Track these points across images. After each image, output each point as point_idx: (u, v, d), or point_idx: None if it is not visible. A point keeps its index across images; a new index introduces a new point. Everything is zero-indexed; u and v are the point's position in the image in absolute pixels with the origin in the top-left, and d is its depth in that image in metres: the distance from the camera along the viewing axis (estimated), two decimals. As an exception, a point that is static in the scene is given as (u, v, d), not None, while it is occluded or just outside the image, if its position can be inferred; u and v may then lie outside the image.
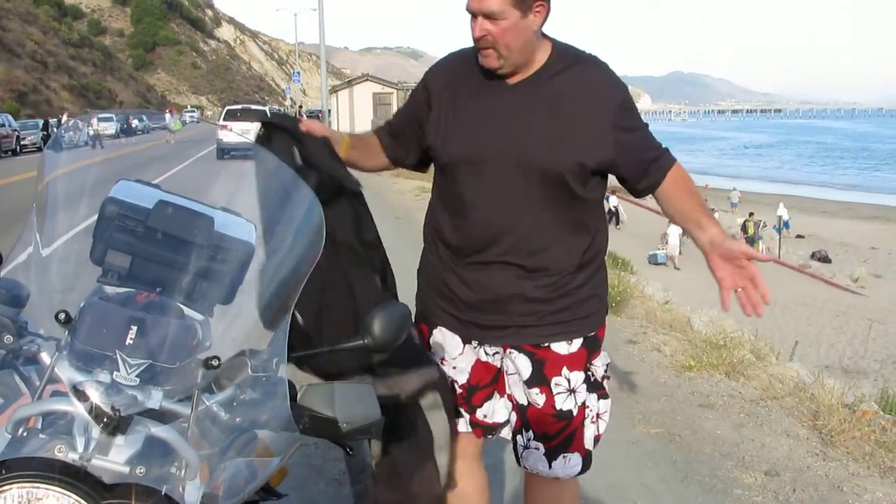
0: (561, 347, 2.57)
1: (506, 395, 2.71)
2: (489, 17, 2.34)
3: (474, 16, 2.38)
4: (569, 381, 2.58)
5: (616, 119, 2.49)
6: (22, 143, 39.85)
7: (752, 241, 31.15)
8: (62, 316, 1.52)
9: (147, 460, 1.45)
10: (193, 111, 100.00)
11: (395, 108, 52.54)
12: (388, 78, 68.87)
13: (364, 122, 49.33)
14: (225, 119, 33.43)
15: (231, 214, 1.93)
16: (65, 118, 50.86)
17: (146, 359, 1.55)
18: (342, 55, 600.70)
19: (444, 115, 2.55)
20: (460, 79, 2.57)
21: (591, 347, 2.63)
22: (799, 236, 37.19)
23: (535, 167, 2.45)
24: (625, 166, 2.55)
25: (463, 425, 2.73)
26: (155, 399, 1.52)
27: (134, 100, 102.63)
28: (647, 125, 2.62)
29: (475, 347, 2.66)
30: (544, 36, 2.50)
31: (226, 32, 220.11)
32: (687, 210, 2.56)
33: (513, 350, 2.60)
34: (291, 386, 1.71)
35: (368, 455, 3.12)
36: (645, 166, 2.57)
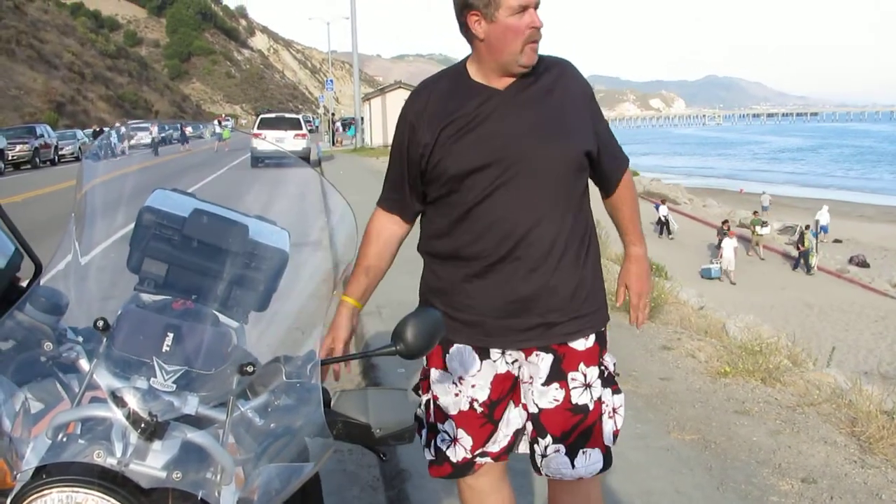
0: (579, 344, 2.61)
1: (521, 405, 2.71)
2: (537, 7, 2.45)
3: (523, 10, 2.41)
4: (585, 375, 2.61)
5: (591, 109, 2.63)
6: (60, 153, 40.39)
7: (807, 254, 30.53)
8: (100, 323, 1.55)
9: (183, 465, 1.47)
10: (228, 120, 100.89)
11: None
12: (421, 85, 68.90)
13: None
14: (259, 128, 33.67)
15: (265, 222, 1.95)
16: (117, 126, 51.67)
17: (182, 365, 1.57)
18: (375, 63, 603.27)
19: (442, 135, 2.51)
20: (444, 101, 2.56)
21: (602, 342, 2.68)
22: (836, 241, 36.68)
23: (545, 163, 2.50)
24: (604, 156, 2.66)
25: (486, 447, 2.72)
26: (191, 405, 1.54)
27: (169, 109, 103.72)
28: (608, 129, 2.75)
29: (494, 361, 2.65)
30: None
31: (259, 42, 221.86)
32: (627, 219, 2.84)
33: (539, 351, 2.60)
34: (325, 392, 1.73)
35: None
36: (614, 159, 2.73)
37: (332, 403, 1.74)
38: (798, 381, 6.23)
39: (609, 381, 2.68)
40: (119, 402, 1.47)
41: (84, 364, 1.58)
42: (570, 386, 2.59)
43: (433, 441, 2.76)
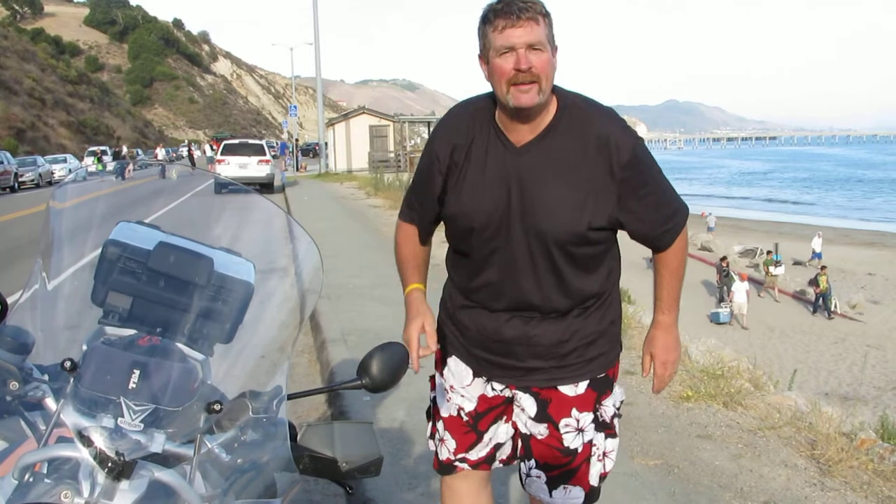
0: (568, 389, 2.63)
1: (511, 423, 2.79)
2: (534, 47, 2.31)
3: (510, 50, 2.32)
4: (578, 421, 2.65)
5: (620, 179, 2.43)
6: (20, 180, 39.94)
7: (825, 296, 29.12)
8: (68, 364, 1.55)
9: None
10: (193, 145, 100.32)
11: (391, 141, 52.67)
12: (385, 110, 69.13)
13: (361, 154, 49.44)
14: (223, 154, 33.52)
15: (230, 254, 1.96)
16: (125, 150, 51.14)
17: (149, 402, 1.58)
18: (338, 88, 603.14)
19: (455, 179, 2.54)
20: (468, 140, 2.52)
21: (600, 388, 2.68)
22: (797, 263, 37.21)
23: (546, 234, 2.45)
24: (636, 225, 2.53)
25: (467, 454, 2.81)
26: (158, 442, 1.54)
27: (132, 135, 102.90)
28: (660, 173, 2.57)
29: (484, 382, 2.73)
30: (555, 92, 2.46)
31: (222, 67, 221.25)
32: (665, 286, 2.72)
33: (518, 391, 2.68)
34: (291, 426, 1.74)
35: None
36: (655, 227, 2.57)
37: (298, 438, 1.75)
38: (759, 404, 6.30)
39: (603, 425, 2.71)
40: (86, 441, 1.47)
41: (50, 403, 1.58)
42: (562, 431, 2.64)
43: (434, 435, 2.90)
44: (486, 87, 2.55)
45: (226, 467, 1.65)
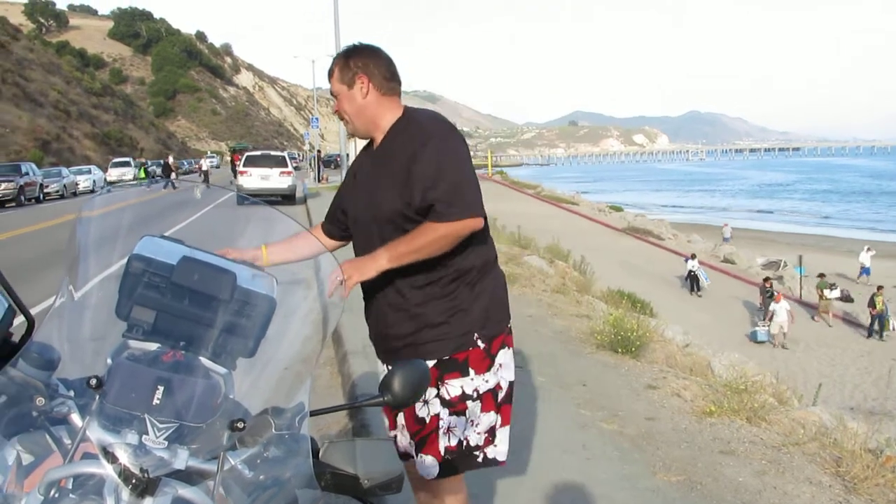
0: None
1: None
2: (334, 96, 3.11)
3: (335, 96, 3.12)
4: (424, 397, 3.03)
5: (414, 164, 2.89)
6: (45, 191, 40.31)
7: (881, 318, 27.39)
8: (93, 381, 1.56)
9: None
10: (213, 157, 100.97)
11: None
12: (406, 122, 69.20)
13: (382, 166, 49.48)
14: (245, 165, 33.69)
15: (253, 269, 1.97)
16: (171, 160, 51.64)
17: (172, 418, 1.58)
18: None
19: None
20: (358, 159, 3.31)
21: (446, 369, 3.01)
22: (821, 275, 36.88)
23: (382, 217, 3.00)
24: (429, 199, 2.88)
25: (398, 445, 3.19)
26: (181, 459, 1.55)
27: (155, 147, 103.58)
28: (458, 164, 2.93)
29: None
30: (403, 105, 3.12)
31: (245, 79, 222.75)
32: (404, 240, 2.92)
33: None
34: (313, 442, 1.74)
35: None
36: (437, 209, 2.88)
37: (320, 454, 1.76)
38: (783, 419, 6.26)
39: (447, 403, 3.04)
40: (111, 457, 1.48)
41: (75, 418, 1.59)
42: (413, 407, 3.04)
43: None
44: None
45: (248, 483, 1.65)
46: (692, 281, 30.77)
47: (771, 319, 26.46)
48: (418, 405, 3.01)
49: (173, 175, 46.80)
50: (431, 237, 2.85)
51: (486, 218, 3.01)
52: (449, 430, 3.05)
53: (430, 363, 2.94)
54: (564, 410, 6.20)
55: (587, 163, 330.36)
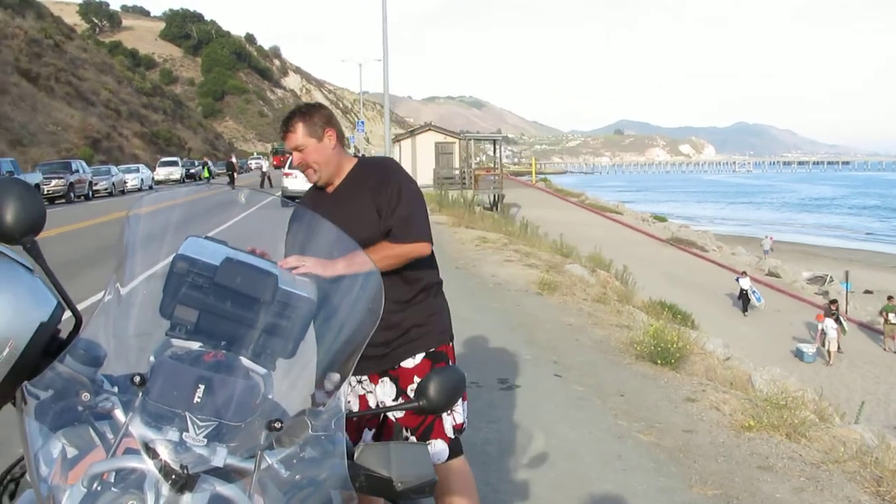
0: (408, 363, 3.45)
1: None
2: (297, 149, 3.41)
3: (293, 151, 3.44)
4: None
5: (377, 198, 3.38)
6: (94, 188, 40.94)
7: None
8: (137, 379, 1.61)
9: None
10: (259, 158, 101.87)
11: (456, 158, 52.89)
12: (451, 127, 69.49)
13: (426, 171, 49.66)
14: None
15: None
16: (234, 159, 52.61)
17: (212, 416, 1.62)
18: (406, 104, 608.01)
19: None
20: (310, 201, 3.50)
21: (436, 359, 3.48)
22: (867, 292, 36.27)
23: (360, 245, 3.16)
24: (388, 225, 3.37)
25: None
26: (220, 456, 1.58)
27: (202, 147, 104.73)
28: (420, 201, 3.56)
29: (353, 385, 3.48)
30: (354, 156, 3.60)
31: (292, 81, 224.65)
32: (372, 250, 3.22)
33: (382, 377, 3.47)
34: (348, 445, 1.77)
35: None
36: (396, 232, 3.38)
37: (355, 456, 1.78)
38: (824, 436, 6.18)
39: None
40: (152, 453, 1.52)
41: (118, 414, 1.63)
42: (411, 395, 3.31)
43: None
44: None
45: (284, 483, 1.68)
46: (744, 301, 29.63)
47: (820, 341, 25.72)
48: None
49: (235, 174, 48.08)
50: (386, 253, 3.29)
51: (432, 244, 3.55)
52: (452, 410, 3.41)
53: (420, 356, 3.46)
54: (602, 420, 6.19)
55: (632, 172, 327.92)
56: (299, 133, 3.40)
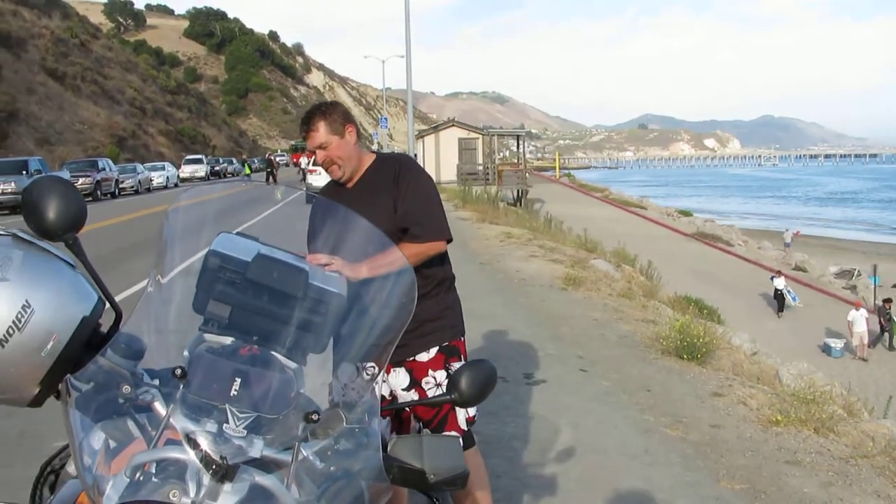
0: (422, 356, 3.53)
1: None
2: (321, 147, 3.48)
3: (315, 150, 3.52)
4: (434, 378, 3.54)
5: (394, 193, 3.47)
6: (120, 186, 41.26)
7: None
8: (178, 371, 1.64)
9: None
10: (283, 154, 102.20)
11: (480, 154, 52.87)
12: (474, 123, 69.39)
13: (450, 166, 49.69)
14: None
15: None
16: (273, 157, 53.26)
17: (250, 409, 1.65)
18: (428, 100, 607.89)
19: None
20: (330, 195, 3.55)
21: (449, 353, 3.58)
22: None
23: None
24: (406, 223, 3.46)
25: None
26: (257, 448, 1.62)
27: (227, 144, 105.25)
28: (437, 198, 3.60)
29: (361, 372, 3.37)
30: (372, 151, 3.69)
31: (315, 78, 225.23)
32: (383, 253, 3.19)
33: (396, 367, 3.52)
34: (381, 437, 1.80)
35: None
36: (413, 231, 3.47)
37: (388, 448, 1.81)
38: (852, 431, 6.16)
39: None
40: (193, 444, 1.56)
41: (158, 406, 1.67)
42: (425, 388, 3.52)
43: None
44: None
45: (318, 475, 1.71)
46: (779, 301, 28.78)
47: (851, 333, 25.09)
48: (432, 388, 3.53)
49: (275, 171, 48.96)
50: (407, 254, 3.27)
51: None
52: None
53: (434, 349, 3.54)
54: (628, 415, 6.19)
55: (656, 166, 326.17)
56: (322, 131, 3.48)
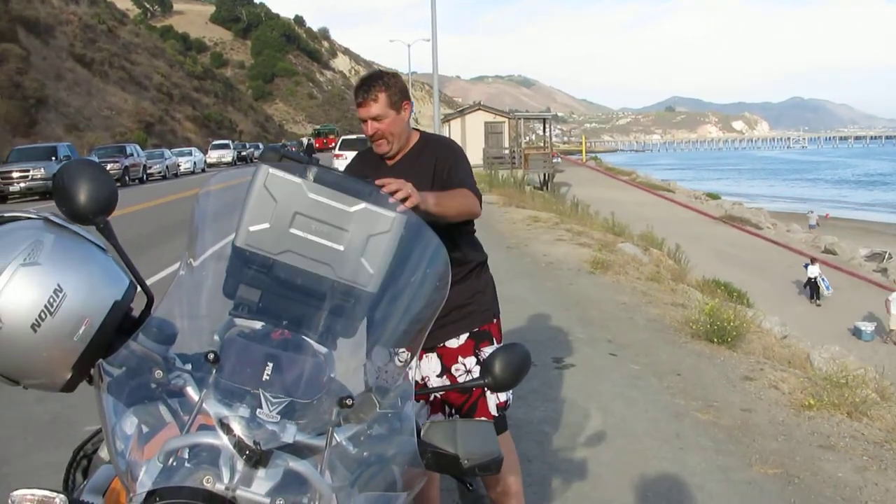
0: (452, 343, 3.47)
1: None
2: (376, 119, 3.33)
3: (364, 121, 3.37)
4: (464, 365, 3.48)
5: (435, 175, 3.39)
6: (148, 171, 41.53)
7: None
8: (211, 356, 1.63)
9: (285, 492, 1.54)
10: (307, 140, 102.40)
11: (506, 137, 52.74)
12: (500, 106, 69.20)
13: (476, 150, 49.53)
14: (341, 149, 34.10)
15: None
16: (312, 140, 53.08)
17: (282, 394, 1.64)
18: (454, 84, 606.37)
19: None
20: (363, 169, 3.48)
21: (479, 338, 3.51)
22: (927, 269, 35.42)
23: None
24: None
25: None
26: (290, 433, 1.60)
27: (253, 129, 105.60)
28: (469, 175, 3.51)
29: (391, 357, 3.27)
30: (416, 129, 3.56)
31: (341, 63, 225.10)
32: (445, 195, 3.21)
33: (427, 353, 3.46)
34: (415, 422, 1.78)
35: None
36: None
37: (422, 433, 1.79)
38: (886, 415, 6.08)
39: None
40: (226, 429, 1.55)
41: (191, 391, 1.65)
42: (455, 375, 3.47)
43: None
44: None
45: (352, 460, 1.69)
46: (811, 289, 27.74)
47: (889, 312, 24.04)
48: (462, 375, 3.47)
49: (315, 155, 48.96)
50: (462, 199, 3.30)
51: (473, 228, 3.69)
52: None
53: (464, 336, 3.48)
54: (658, 399, 6.15)
55: (683, 149, 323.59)
56: (381, 102, 3.34)
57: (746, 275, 24.89)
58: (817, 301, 27.76)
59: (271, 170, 1.88)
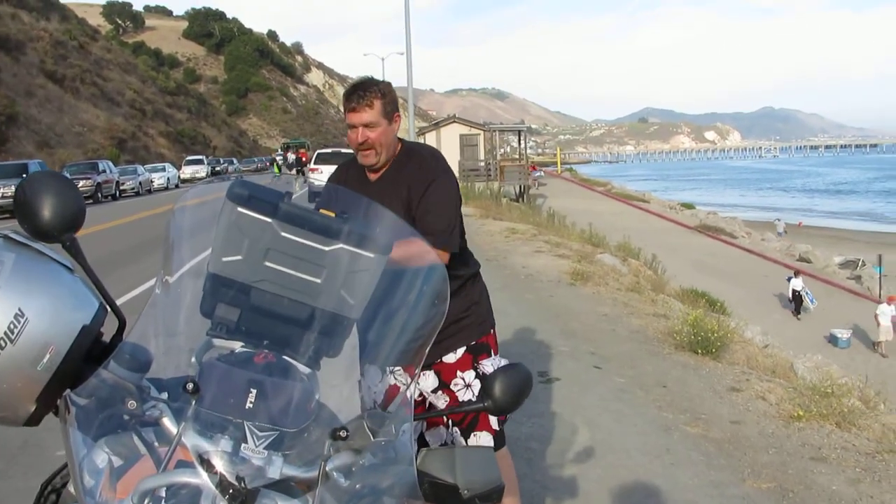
0: (449, 358, 3.40)
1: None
2: (368, 126, 3.20)
3: (354, 127, 3.23)
4: (463, 379, 3.41)
5: (425, 193, 3.26)
6: (121, 188, 41.17)
7: None
8: (190, 386, 1.49)
9: None
10: (280, 154, 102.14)
11: (481, 149, 52.82)
12: (474, 119, 69.24)
13: (452, 163, 49.24)
14: (316, 163, 33.95)
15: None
16: (304, 153, 53.21)
17: (268, 423, 1.51)
18: (428, 97, 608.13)
19: None
20: (346, 184, 3.35)
21: (477, 351, 3.44)
22: (901, 275, 35.72)
23: None
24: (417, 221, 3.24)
25: None
26: (277, 467, 1.47)
27: (227, 144, 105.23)
28: (449, 202, 3.36)
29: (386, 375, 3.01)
30: (398, 139, 3.41)
31: (315, 77, 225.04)
32: None
33: (423, 370, 3.32)
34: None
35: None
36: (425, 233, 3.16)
37: (417, 462, 1.67)
38: (873, 424, 6.02)
39: None
40: (207, 465, 1.41)
41: (167, 423, 1.52)
42: (454, 390, 3.39)
43: None
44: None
45: (343, 493, 1.56)
46: (796, 302, 27.50)
47: (878, 324, 24.21)
48: (461, 390, 3.39)
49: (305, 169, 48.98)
50: (403, 253, 3.02)
51: (464, 240, 3.55)
52: None
53: (461, 350, 3.40)
54: (646, 413, 6.05)
55: (657, 160, 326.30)
56: (376, 110, 3.22)
57: (724, 284, 24.97)
58: (798, 315, 27.60)
59: (239, 209, 1.74)
